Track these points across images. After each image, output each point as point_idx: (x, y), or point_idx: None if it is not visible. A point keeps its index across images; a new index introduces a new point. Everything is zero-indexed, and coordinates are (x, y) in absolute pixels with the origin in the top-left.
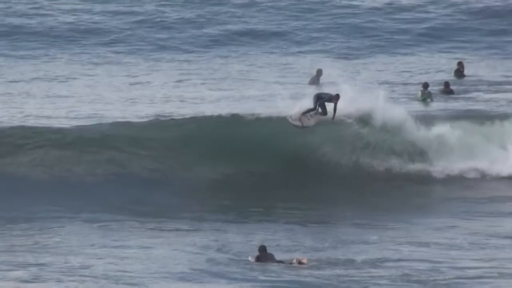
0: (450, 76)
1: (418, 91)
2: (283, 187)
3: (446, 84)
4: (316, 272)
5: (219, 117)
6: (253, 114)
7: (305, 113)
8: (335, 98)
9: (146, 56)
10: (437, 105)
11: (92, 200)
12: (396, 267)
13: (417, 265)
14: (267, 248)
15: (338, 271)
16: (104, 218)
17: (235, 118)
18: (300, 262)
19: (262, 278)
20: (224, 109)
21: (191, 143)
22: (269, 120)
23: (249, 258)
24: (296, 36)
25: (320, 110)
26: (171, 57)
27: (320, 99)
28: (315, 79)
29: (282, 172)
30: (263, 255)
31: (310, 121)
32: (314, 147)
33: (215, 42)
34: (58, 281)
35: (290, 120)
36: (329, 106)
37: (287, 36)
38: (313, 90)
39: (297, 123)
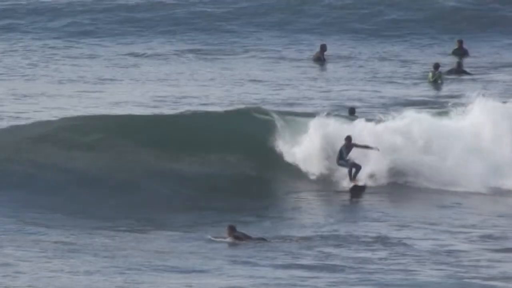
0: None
1: (429, 72)
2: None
3: (459, 64)
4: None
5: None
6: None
7: (353, 177)
8: (347, 142)
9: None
10: (448, 87)
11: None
12: None
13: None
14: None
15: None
16: None
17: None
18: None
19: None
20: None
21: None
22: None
23: (210, 237)
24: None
25: (353, 169)
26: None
27: (341, 159)
28: (320, 55)
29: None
30: (238, 234)
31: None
32: None
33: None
34: None
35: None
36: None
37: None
38: (317, 68)
39: (360, 183)
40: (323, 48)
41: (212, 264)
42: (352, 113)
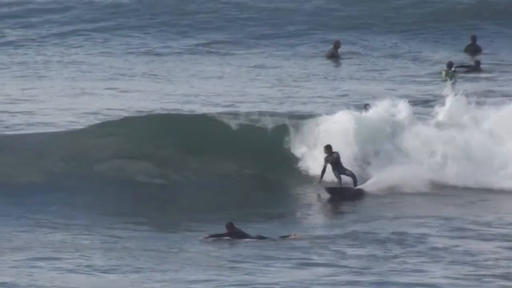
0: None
1: (442, 70)
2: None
3: (477, 62)
4: None
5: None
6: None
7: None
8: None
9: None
10: (461, 86)
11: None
12: None
13: None
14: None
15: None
16: None
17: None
18: (296, 237)
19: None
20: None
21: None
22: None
23: (206, 234)
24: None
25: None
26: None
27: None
28: (333, 52)
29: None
30: (235, 231)
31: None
32: None
33: None
34: None
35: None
36: None
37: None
38: (331, 65)
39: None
40: (337, 44)
41: (224, 262)
42: (367, 109)
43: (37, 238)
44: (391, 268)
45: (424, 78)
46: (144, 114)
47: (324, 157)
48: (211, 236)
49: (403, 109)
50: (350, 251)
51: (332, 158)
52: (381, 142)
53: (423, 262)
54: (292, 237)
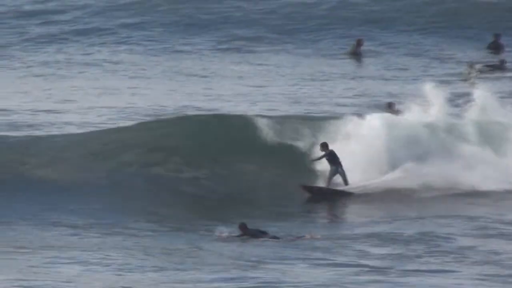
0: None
1: (464, 69)
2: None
3: (502, 61)
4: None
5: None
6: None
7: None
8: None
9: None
10: (484, 85)
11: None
12: None
13: None
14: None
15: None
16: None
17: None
18: (312, 237)
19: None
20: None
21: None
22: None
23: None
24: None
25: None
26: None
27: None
28: (356, 50)
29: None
30: (249, 231)
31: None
32: None
33: None
34: None
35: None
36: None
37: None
38: (352, 63)
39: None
40: (360, 42)
41: (245, 262)
42: (390, 108)
43: (59, 236)
44: (415, 268)
45: (446, 78)
46: (167, 113)
47: (321, 155)
48: (226, 234)
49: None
50: (373, 250)
51: (329, 155)
52: (413, 146)
53: (447, 262)
54: (308, 237)
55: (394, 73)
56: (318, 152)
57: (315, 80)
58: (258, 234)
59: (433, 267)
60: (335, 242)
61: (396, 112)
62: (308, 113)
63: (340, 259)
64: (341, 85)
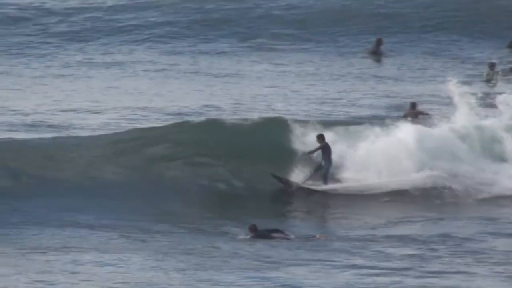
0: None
1: (484, 71)
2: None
3: None
4: None
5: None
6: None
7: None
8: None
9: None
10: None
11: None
12: None
13: None
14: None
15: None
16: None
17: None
18: (321, 237)
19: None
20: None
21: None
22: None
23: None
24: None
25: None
26: None
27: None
28: (376, 49)
29: None
30: (260, 233)
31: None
32: None
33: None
34: None
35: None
36: None
37: None
38: (371, 63)
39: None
40: (379, 42)
41: (265, 264)
42: (413, 108)
43: (83, 238)
44: (435, 269)
45: (466, 79)
46: (186, 113)
47: (317, 147)
48: (239, 235)
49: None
50: (393, 252)
51: (324, 148)
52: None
53: (469, 262)
54: (318, 237)
55: (413, 73)
56: (315, 144)
57: (335, 79)
58: (269, 234)
59: (454, 268)
60: (354, 243)
61: (419, 112)
62: (329, 115)
63: (360, 261)
64: (362, 86)
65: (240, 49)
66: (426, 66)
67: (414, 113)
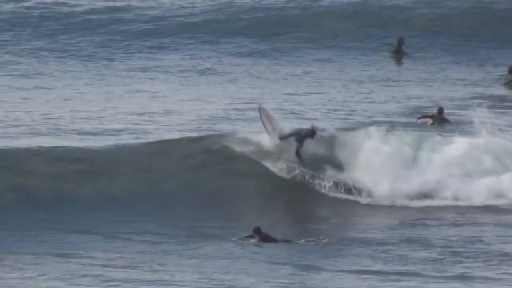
0: None
1: (503, 74)
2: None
3: None
4: None
5: None
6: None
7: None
8: (310, 135)
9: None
10: None
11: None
12: None
13: None
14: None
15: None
16: None
17: None
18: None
19: None
20: None
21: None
22: None
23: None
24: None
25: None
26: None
27: (298, 135)
28: (397, 48)
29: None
30: (264, 236)
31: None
32: None
33: None
34: None
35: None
36: None
37: None
38: (392, 64)
39: None
40: (401, 41)
41: (283, 270)
42: (440, 114)
43: (112, 248)
44: (456, 273)
45: (485, 82)
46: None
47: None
48: (240, 239)
49: None
50: (413, 255)
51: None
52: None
53: (490, 266)
54: (323, 240)
55: (433, 76)
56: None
57: (356, 83)
58: (274, 238)
59: (476, 273)
60: (374, 247)
61: (445, 119)
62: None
63: (380, 265)
64: (382, 90)
65: (255, 52)
66: (445, 68)
67: (440, 118)
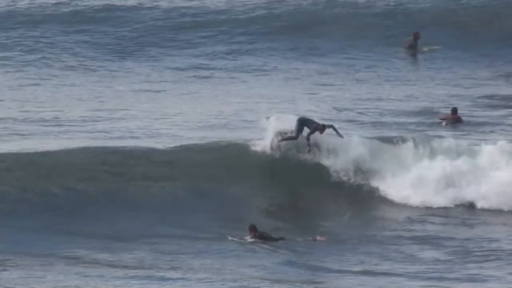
0: None
1: None
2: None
3: None
4: None
5: None
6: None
7: (285, 139)
8: (321, 130)
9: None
10: None
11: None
12: None
13: None
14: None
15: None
16: None
17: None
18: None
19: None
20: None
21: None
22: None
23: (230, 238)
24: None
25: (309, 144)
26: None
27: (306, 127)
28: (412, 43)
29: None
30: (261, 234)
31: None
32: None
33: None
34: None
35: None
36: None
37: None
38: (410, 59)
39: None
40: (416, 36)
41: (281, 268)
42: (454, 114)
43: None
44: (469, 273)
45: (497, 81)
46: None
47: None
48: (237, 239)
49: None
50: (424, 255)
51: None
52: None
53: (501, 266)
54: (319, 239)
55: (445, 74)
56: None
57: (371, 82)
58: (270, 236)
59: (487, 272)
60: (385, 247)
61: (459, 119)
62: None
63: (393, 265)
64: (398, 89)
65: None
66: (457, 65)
67: (454, 118)
